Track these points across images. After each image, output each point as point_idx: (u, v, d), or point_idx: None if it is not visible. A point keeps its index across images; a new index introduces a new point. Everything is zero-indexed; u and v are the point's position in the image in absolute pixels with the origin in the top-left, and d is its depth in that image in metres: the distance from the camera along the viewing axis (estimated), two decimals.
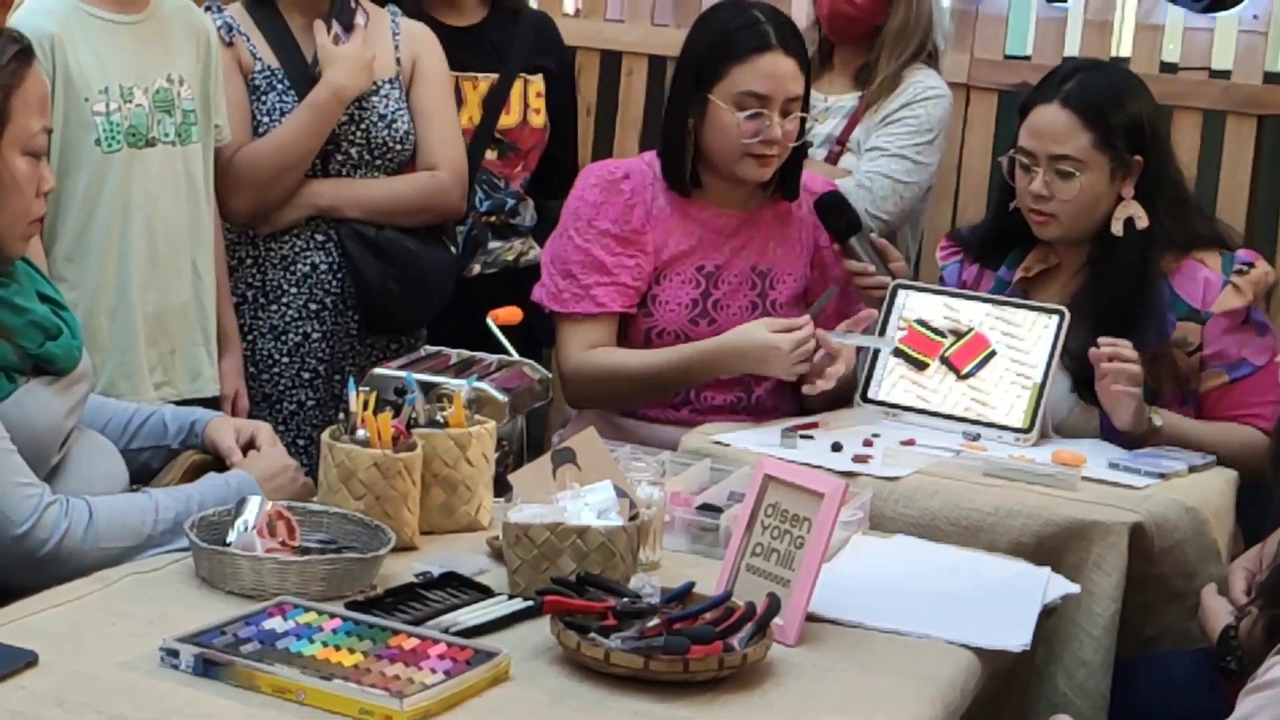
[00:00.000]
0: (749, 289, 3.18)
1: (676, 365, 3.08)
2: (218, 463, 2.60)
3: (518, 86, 3.70)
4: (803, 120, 3.11)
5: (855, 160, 3.64)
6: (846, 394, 3.14)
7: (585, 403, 3.18)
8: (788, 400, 3.22)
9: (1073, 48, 4.24)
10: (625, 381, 3.10)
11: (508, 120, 3.70)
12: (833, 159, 3.65)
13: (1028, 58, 4.29)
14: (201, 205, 3.17)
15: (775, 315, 3.16)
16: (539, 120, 3.73)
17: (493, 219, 3.71)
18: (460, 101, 3.67)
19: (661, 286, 3.15)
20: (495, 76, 3.69)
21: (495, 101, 3.68)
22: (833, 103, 3.68)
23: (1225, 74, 4.13)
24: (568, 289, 3.15)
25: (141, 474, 2.61)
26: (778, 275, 3.20)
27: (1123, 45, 4.36)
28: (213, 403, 3.14)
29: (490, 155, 3.70)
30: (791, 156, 3.16)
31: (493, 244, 3.71)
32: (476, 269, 3.68)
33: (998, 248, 3.23)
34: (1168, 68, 4.16)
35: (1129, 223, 3.06)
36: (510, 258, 3.73)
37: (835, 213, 3.21)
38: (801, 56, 3.11)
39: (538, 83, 3.73)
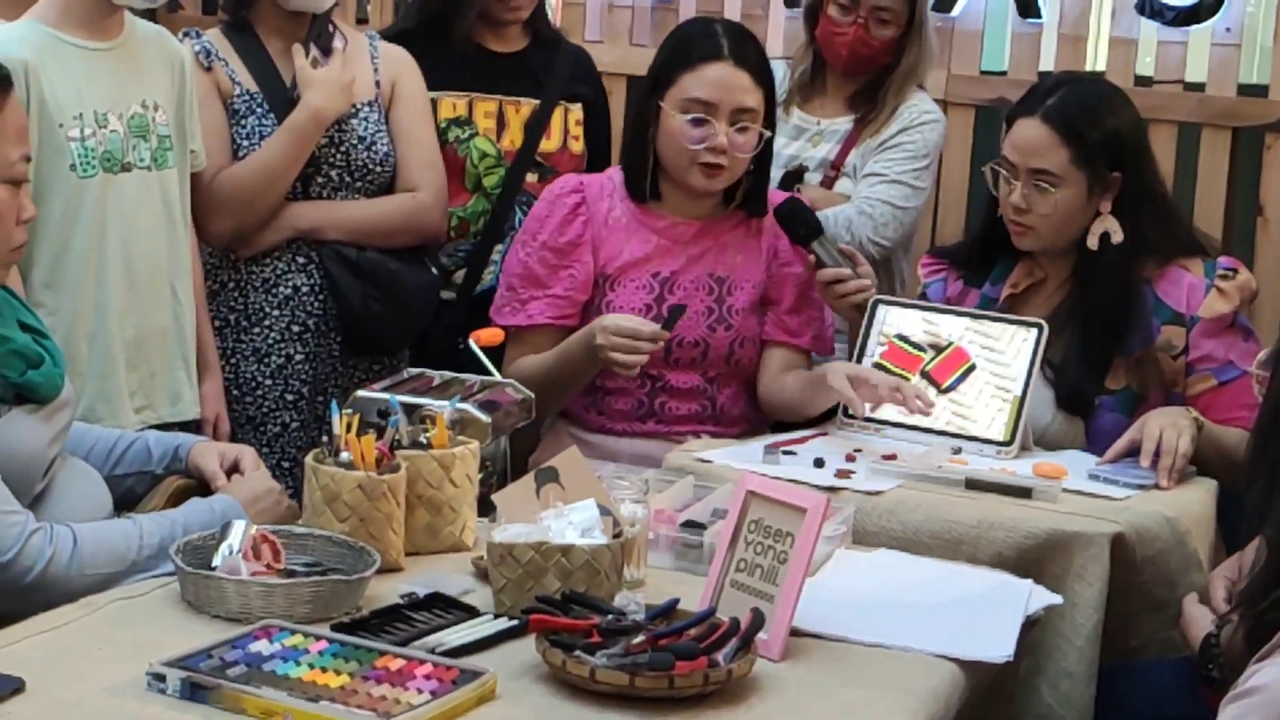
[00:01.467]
0: (706, 294, 3.21)
1: (554, 363, 3.15)
2: (202, 487, 2.60)
3: (558, 113, 3.73)
4: (764, 136, 3.14)
5: (851, 184, 3.65)
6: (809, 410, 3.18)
7: None
8: (753, 408, 3.25)
9: (1048, 62, 4.27)
10: (530, 385, 3.07)
11: (548, 145, 3.73)
12: (828, 183, 3.66)
13: (1004, 73, 4.32)
14: (179, 229, 3.17)
15: (732, 320, 3.21)
16: (578, 147, 3.76)
17: None
18: (503, 124, 3.70)
19: (616, 293, 3.19)
20: (537, 102, 3.71)
21: (537, 126, 3.70)
22: (825, 126, 3.70)
23: (1200, 86, 4.16)
24: (508, 302, 3.24)
25: (125, 500, 2.61)
26: (736, 282, 3.23)
27: (1098, 59, 4.38)
28: (193, 426, 3.15)
29: (531, 178, 3.72)
30: (757, 174, 3.19)
31: None
32: None
33: (984, 260, 3.25)
34: (1142, 81, 4.19)
35: (1104, 236, 3.09)
36: None
37: (793, 219, 3.22)
38: (758, 71, 3.14)
39: (577, 111, 3.76)
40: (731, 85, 3.11)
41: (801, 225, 3.21)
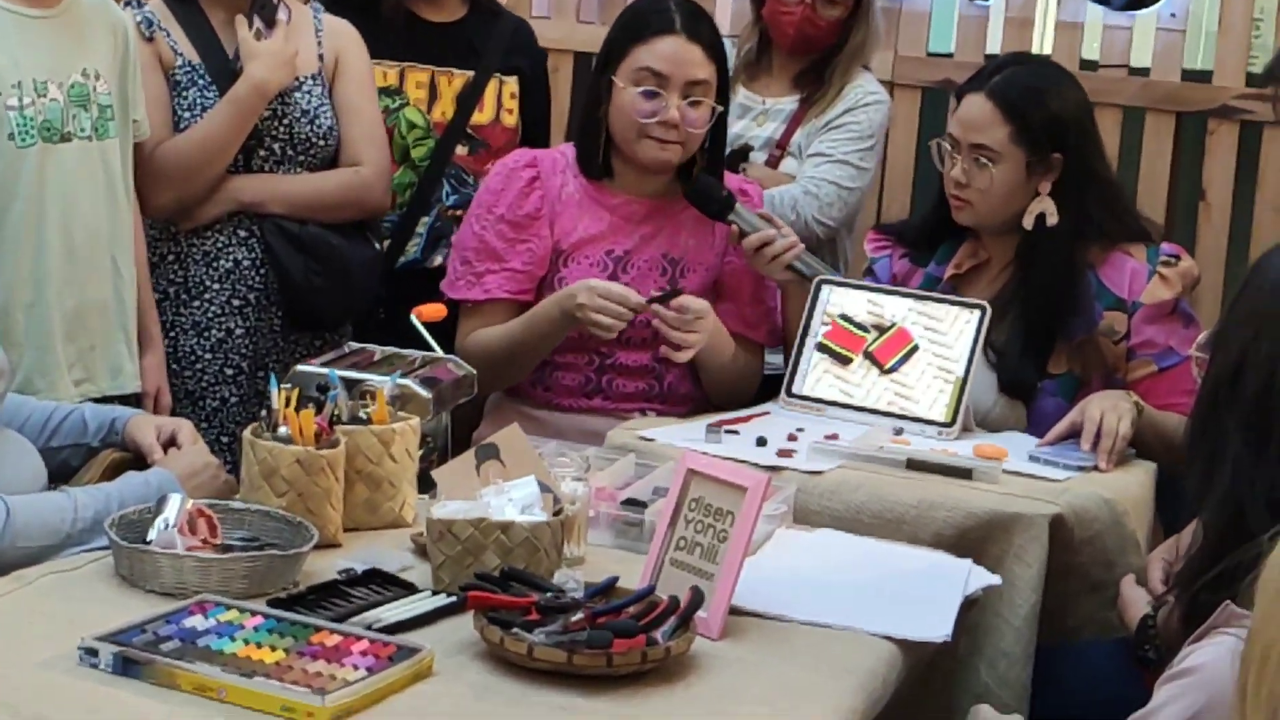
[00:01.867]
0: (659, 275, 3.21)
1: (523, 328, 3.14)
2: (138, 461, 2.58)
3: (492, 86, 3.70)
4: (716, 111, 3.13)
5: (796, 164, 3.65)
6: (743, 385, 3.20)
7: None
8: (702, 388, 3.24)
9: (995, 45, 4.28)
10: (492, 357, 3.13)
11: (480, 118, 3.70)
12: (773, 162, 3.66)
13: (950, 55, 4.33)
14: (120, 200, 3.13)
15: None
16: (511, 120, 3.73)
17: (458, 213, 3.70)
18: (435, 95, 3.67)
19: (569, 269, 3.18)
20: (471, 74, 3.69)
21: (469, 98, 3.67)
22: (771, 105, 3.69)
23: (1144, 71, 4.18)
24: (462, 275, 3.22)
25: (61, 472, 2.59)
26: (689, 264, 3.23)
27: (1044, 43, 4.40)
28: (134, 400, 3.11)
29: (461, 151, 3.69)
30: (712, 156, 3.18)
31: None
32: (439, 260, 3.68)
33: (930, 240, 3.26)
34: (1088, 65, 4.21)
35: (1040, 218, 3.10)
36: None
37: (705, 197, 3.21)
38: (711, 46, 3.15)
39: (512, 84, 3.73)
40: (684, 59, 3.11)
41: (713, 201, 3.21)
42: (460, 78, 3.69)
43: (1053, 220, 3.09)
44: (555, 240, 3.19)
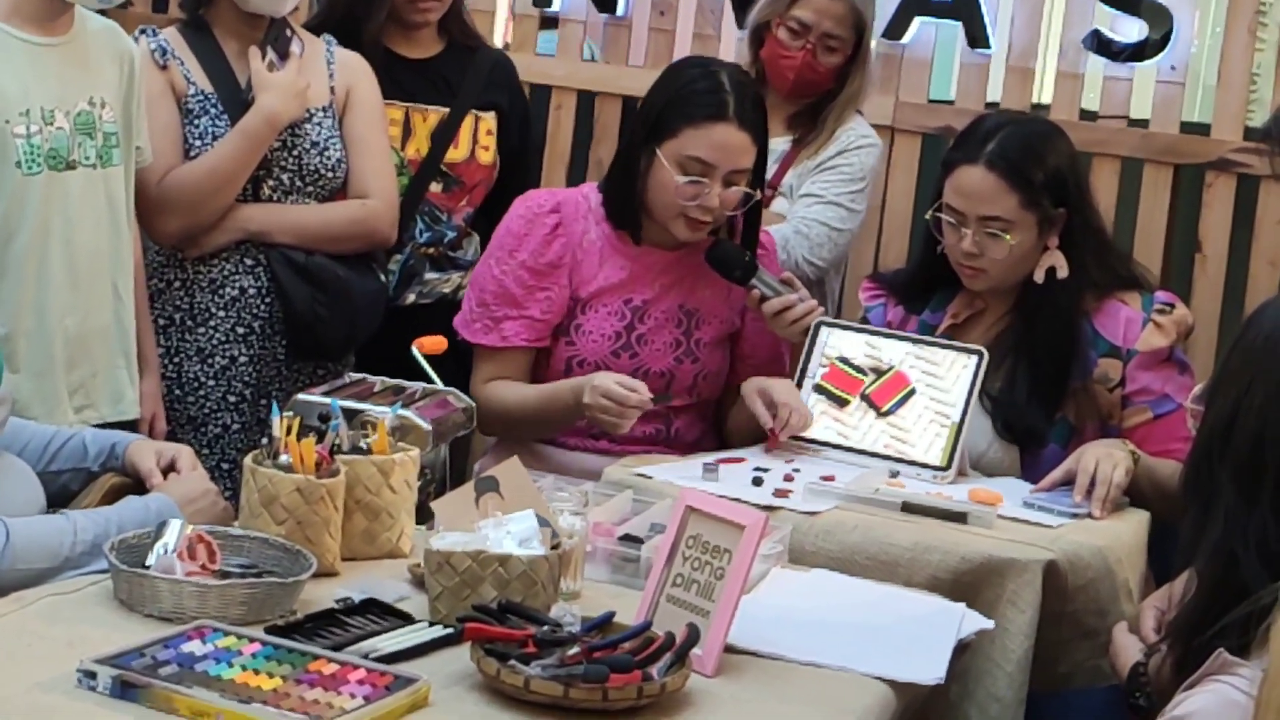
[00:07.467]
0: (674, 326, 3.21)
1: (538, 405, 3.14)
2: (137, 486, 2.59)
3: (468, 122, 3.72)
4: (747, 195, 3.13)
5: (787, 204, 3.67)
6: (761, 437, 3.18)
7: (487, 430, 3.23)
8: (708, 435, 3.25)
9: (995, 93, 4.31)
10: (508, 417, 3.15)
11: (455, 154, 3.71)
12: (764, 202, 3.67)
13: (951, 102, 4.35)
14: (122, 227, 3.15)
15: (699, 354, 3.21)
16: (487, 157, 3.74)
17: (431, 250, 3.72)
18: (409, 133, 3.69)
19: (586, 317, 3.18)
20: (446, 110, 3.70)
21: (444, 135, 3.69)
22: None
23: (1143, 123, 4.21)
24: (480, 318, 3.20)
25: (60, 496, 2.59)
26: (704, 316, 3.24)
27: (1044, 93, 4.43)
28: (135, 426, 3.12)
29: (435, 188, 3.70)
30: (747, 236, 3.20)
31: (429, 275, 3.72)
32: (411, 298, 3.69)
33: (924, 290, 3.27)
34: (1087, 115, 4.23)
35: (1050, 271, 3.11)
36: (447, 290, 3.73)
37: (726, 262, 3.21)
38: (757, 130, 3.13)
39: (489, 120, 3.74)
40: (733, 148, 3.08)
41: (735, 267, 3.21)
42: (435, 114, 3.70)
43: (1063, 273, 3.10)
44: (574, 288, 3.18)
